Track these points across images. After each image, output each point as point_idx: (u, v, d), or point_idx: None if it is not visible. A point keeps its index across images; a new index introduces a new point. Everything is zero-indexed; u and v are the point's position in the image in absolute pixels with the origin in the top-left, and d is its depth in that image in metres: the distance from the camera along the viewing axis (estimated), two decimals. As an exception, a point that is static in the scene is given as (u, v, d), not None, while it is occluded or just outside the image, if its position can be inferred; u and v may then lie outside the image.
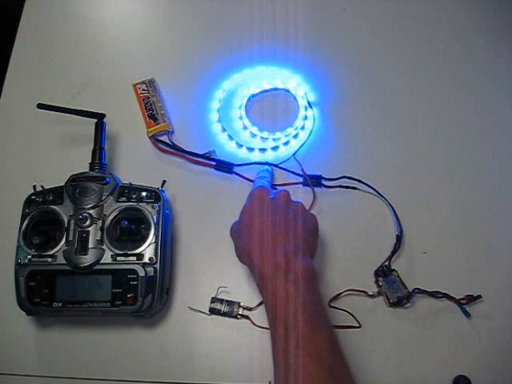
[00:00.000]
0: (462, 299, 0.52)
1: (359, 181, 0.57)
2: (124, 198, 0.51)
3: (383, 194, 0.57)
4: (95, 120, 0.56)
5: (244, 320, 0.52)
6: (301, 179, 0.58)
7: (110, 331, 0.53)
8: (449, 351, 0.51)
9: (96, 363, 0.52)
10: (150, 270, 0.49)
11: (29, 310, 0.49)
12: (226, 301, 0.52)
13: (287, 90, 0.63)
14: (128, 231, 0.50)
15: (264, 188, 0.49)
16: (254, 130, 0.61)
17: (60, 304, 0.48)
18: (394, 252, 0.54)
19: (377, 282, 0.53)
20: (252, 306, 0.52)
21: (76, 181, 0.52)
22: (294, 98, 0.63)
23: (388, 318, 0.52)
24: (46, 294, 0.48)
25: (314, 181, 0.57)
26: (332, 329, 0.43)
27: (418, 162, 0.60)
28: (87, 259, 0.49)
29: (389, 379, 0.50)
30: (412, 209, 0.57)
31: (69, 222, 0.50)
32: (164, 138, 0.60)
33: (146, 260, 0.49)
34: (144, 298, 0.48)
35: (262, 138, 0.60)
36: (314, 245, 0.48)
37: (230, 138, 0.60)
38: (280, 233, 0.45)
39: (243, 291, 0.53)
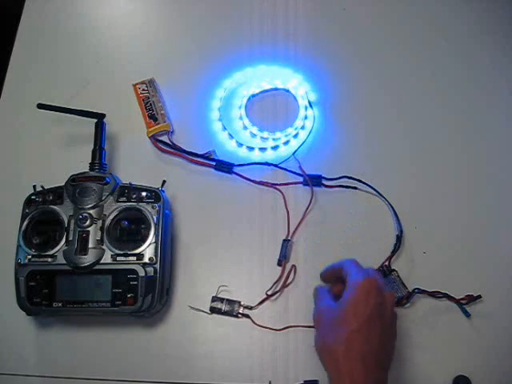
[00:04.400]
0: (462, 299, 0.52)
1: (359, 181, 0.57)
2: (124, 198, 0.51)
3: (383, 193, 0.57)
4: (95, 120, 0.56)
5: (245, 319, 0.52)
6: (301, 179, 0.58)
7: (110, 331, 0.53)
8: (449, 351, 0.51)
9: (96, 363, 0.52)
10: (150, 270, 0.49)
11: (29, 310, 0.49)
12: (227, 300, 0.52)
13: (287, 90, 0.63)
14: (128, 231, 0.50)
15: (378, 280, 0.45)
16: (254, 129, 0.61)
17: (60, 304, 0.48)
18: (394, 252, 0.54)
19: (377, 281, 0.53)
20: (253, 305, 0.52)
21: (76, 181, 0.52)
22: (294, 97, 0.63)
23: (388, 318, 0.52)
24: (46, 294, 0.48)
25: (314, 180, 0.57)
26: None
27: (418, 161, 0.60)
28: (87, 259, 0.49)
29: (389, 379, 0.50)
30: (412, 209, 0.57)
31: (69, 221, 0.50)
32: (164, 138, 0.60)
33: (146, 260, 0.49)
34: (144, 298, 0.48)
35: (261, 137, 0.60)
36: None
37: (231, 136, 0.60)
38: (377, 348, 0.42)
39: (244, 290, 0.53)
